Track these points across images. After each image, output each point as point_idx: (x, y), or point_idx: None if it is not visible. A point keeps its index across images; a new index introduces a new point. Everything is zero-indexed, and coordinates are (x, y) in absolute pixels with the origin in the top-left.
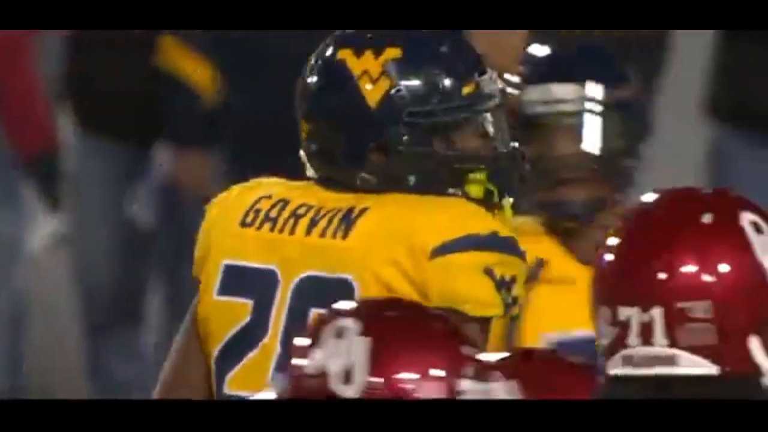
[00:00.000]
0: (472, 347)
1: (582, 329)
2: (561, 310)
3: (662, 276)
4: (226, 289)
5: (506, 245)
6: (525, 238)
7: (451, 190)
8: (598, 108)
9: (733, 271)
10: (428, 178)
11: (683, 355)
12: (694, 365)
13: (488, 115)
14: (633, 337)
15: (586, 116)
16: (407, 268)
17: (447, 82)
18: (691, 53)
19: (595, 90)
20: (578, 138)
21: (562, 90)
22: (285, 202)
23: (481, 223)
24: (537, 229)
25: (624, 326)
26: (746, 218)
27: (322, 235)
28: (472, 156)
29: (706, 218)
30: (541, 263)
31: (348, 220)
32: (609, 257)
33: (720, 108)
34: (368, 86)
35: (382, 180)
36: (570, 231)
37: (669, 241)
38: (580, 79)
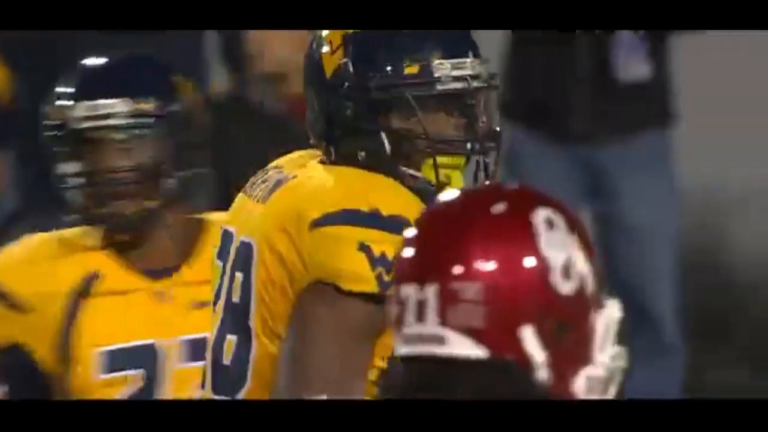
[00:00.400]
0: None
1: (138, 339)
2: (117, 321)
3: (440, 255)
4: (218, 254)
5: (390, 224)
6: (77, 254)
7: (408, 171)
8: (148, 121)
9: (510, 258)
10: (376, 155)
11: (452, 336)
12: (463, 347)
13: (455, 98)
14: (409, 316)
15: (136, 130)
16: (294, 236)
17: (389, 59)
18: (486, 54)
19: (144, 103)
20: (127, 152)
21: (111, 104)
22: (269, 170)
23: (367, 199)
24: (91, 242)
25: (404, 305)
26: (540, 213)
27: (258, 200)
28: (415, 137)
29: (497, 207)
30: (95, 276)
31: (275, 187)
32: (404, 241)
33: (513, 109)
34: (328, 56)
35: (338, 154)
36: (126, 243)
37: (455, 225)
38: (129, 94)
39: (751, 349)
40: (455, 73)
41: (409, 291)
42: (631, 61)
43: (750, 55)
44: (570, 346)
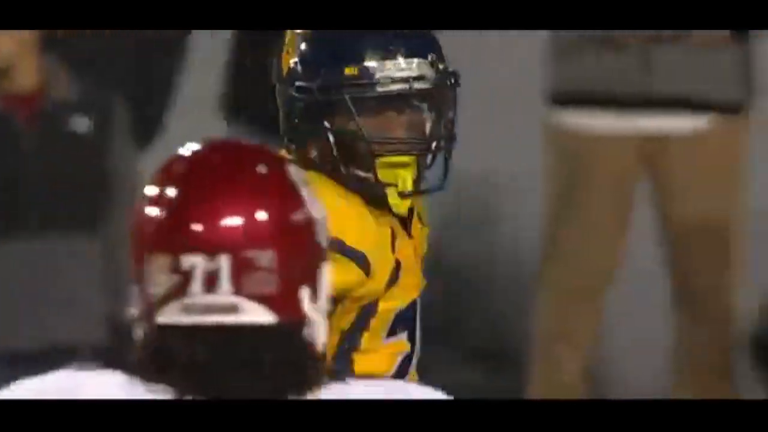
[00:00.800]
0: None
1: None
2: None
3: (230, 224)
4: None
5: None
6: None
7: (355, 172)
8: None
9: (293, 222)
10: (326, 156)
11: (246, 304)
12: (256, 314)
13: (399, 100)
14: (196, 285)
15: None
16: None
17: (331, 61)
18: (209, 52)
19: None
20: None
21: None
22: None
23: None
24: None
25: (187, 274)
26: (292, 171)
27: None
28: (358, 138)
29: (262, 168)
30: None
31: None
32: (159, 204)
33: (227, 105)
34: (285, 56)
35: (297, 153)
36: None
37: (230, 189)
38: None
39: (482, 349)
40: (397, 74)
41: (196, 261)
42: None
43: (506, 53)
44: (319, 301)
